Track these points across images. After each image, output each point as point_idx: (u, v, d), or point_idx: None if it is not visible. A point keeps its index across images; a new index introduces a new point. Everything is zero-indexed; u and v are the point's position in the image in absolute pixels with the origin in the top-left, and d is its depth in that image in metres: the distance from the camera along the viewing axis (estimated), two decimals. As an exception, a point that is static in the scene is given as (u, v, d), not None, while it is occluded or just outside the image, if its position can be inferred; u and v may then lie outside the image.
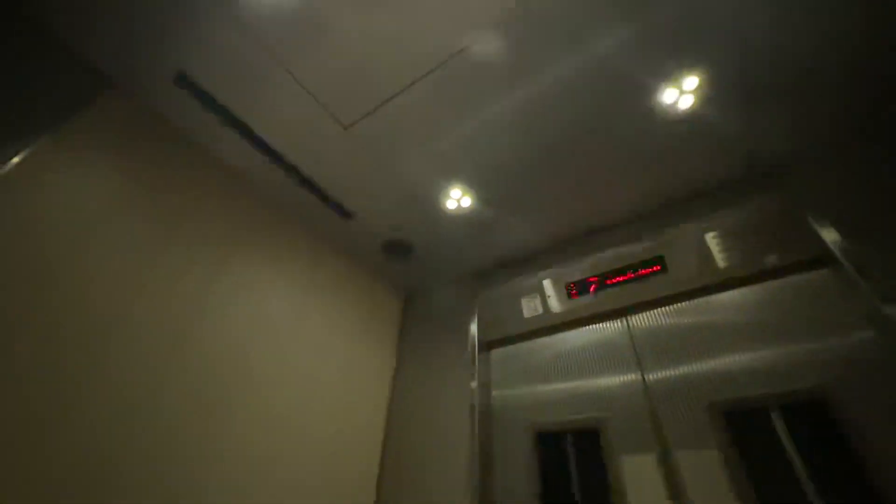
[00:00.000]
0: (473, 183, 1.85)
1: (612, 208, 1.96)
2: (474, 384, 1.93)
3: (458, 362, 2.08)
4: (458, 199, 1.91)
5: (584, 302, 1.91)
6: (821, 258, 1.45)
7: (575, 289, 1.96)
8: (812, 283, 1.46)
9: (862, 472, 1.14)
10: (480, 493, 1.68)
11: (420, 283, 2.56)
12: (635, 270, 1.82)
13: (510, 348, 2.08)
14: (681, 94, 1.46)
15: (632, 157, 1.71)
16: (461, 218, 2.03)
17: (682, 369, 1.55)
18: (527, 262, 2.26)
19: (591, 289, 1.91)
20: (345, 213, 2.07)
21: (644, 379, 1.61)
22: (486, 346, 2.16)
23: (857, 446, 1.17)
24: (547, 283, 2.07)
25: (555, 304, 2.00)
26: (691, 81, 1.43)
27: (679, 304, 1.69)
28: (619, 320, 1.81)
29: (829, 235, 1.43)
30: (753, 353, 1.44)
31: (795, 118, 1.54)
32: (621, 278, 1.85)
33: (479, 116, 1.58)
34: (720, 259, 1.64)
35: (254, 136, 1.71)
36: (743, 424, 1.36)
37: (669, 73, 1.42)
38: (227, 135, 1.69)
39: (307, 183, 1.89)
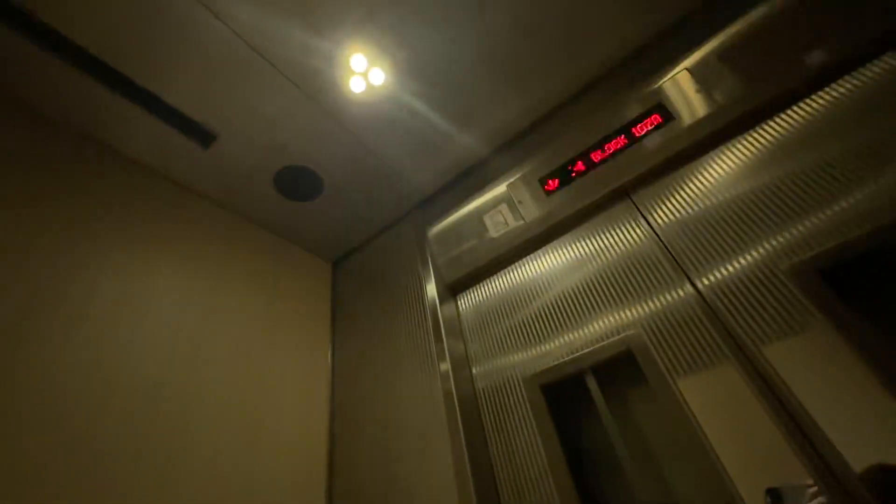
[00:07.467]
0: (384, 44, 1.23)
1: (590, 60, 1.43)
2: (445, 366, 1.31)
3: (418, 331, 1.46)
4: (364, 71, 1.28)
5: (568, 192, 1.36)
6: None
7: (552, 178, 1.41)
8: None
9: None
10: None
11: (348, 233, 1.89)
12: (628, 130, 1.31)
13: (484, 288, 1.50)
14: None
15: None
16: (377, 108, 1.40)
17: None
18: (481, 168, 1.68)
19: (576, 169, 1.37)
20: (205, 136, 1.37)
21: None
22: (451, 291, 1.57)
23: None
24: (514, 185, 1.50)
25: (530, 207, 1.44)
26: None
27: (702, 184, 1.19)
28: (624, 206, 1.29)
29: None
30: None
31: None
32: (612, 146, 1.32)
33: None
34: (740, 81, 1.15)
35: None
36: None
37: None
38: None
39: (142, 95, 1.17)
